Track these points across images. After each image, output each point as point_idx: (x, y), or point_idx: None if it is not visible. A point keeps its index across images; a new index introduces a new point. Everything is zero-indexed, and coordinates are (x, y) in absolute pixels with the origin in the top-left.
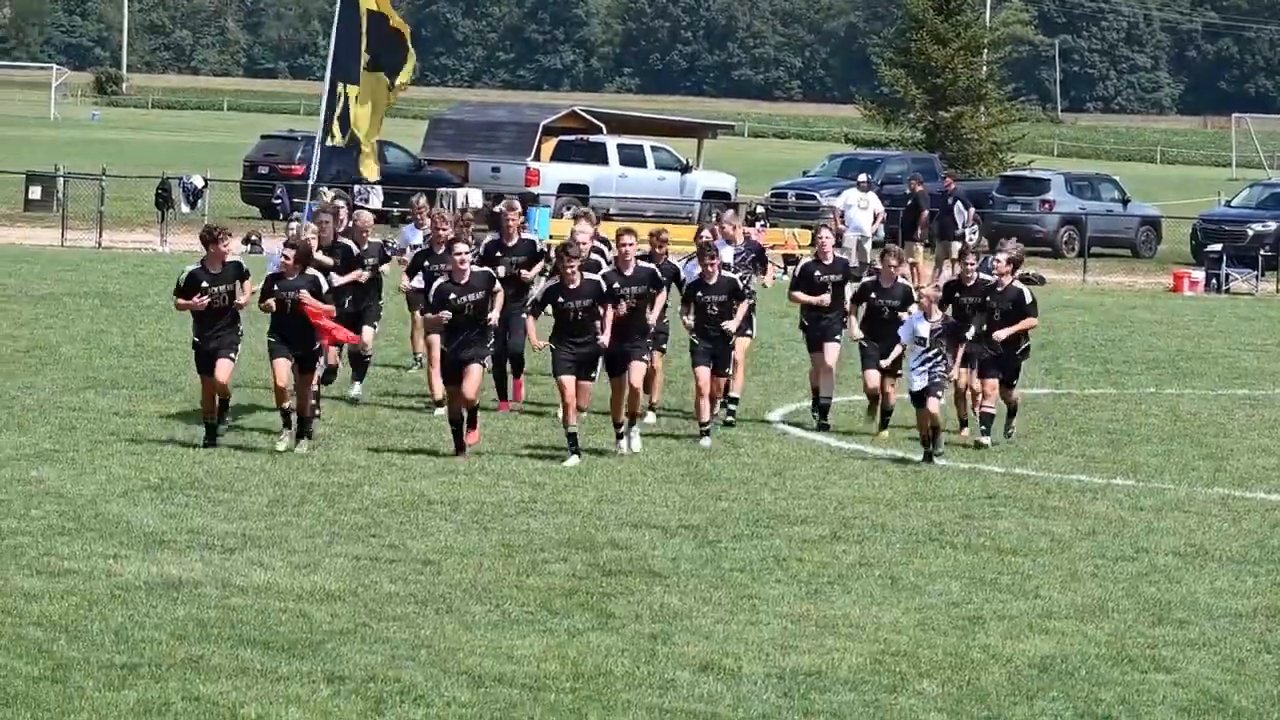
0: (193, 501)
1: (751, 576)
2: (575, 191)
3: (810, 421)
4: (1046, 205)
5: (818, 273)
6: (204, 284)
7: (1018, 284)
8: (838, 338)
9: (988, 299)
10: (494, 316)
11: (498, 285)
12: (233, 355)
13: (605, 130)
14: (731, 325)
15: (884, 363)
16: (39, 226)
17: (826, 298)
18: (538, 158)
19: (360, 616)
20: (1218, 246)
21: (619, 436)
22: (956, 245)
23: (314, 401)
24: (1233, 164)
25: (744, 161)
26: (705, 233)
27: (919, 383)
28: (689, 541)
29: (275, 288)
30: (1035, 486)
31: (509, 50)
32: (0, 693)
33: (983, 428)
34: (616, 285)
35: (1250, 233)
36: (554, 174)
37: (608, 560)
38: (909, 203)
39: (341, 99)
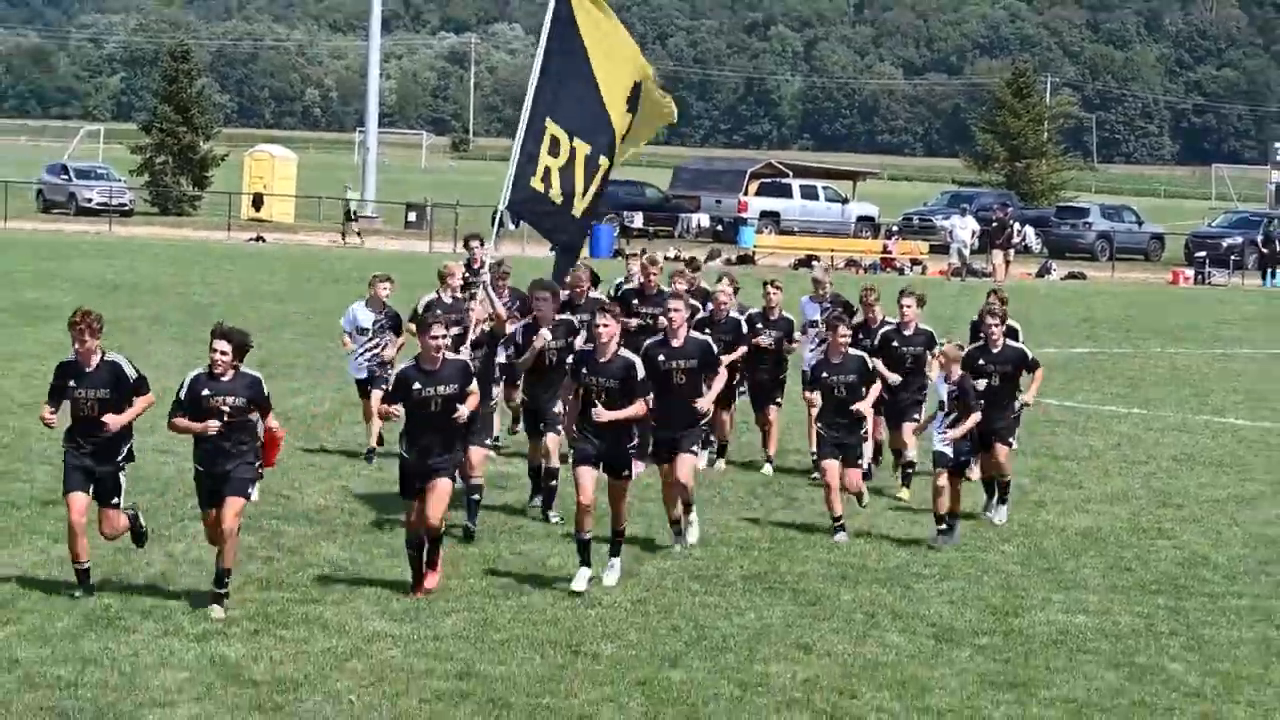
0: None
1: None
2: (770, 216)
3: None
4: (1087, 225)
5: (896, 343)
6: (205, 392)
7: (1013, 344)
8: (915, 416)
9: (984, 363)
10: (463, 411)
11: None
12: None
13: (791, 175)
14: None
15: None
16: (414, 240)
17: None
18: (746, 193)
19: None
20: (1203, 254)
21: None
22: (999, 254)
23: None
24: (1211, 198)
25: (883, 196)
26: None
27: (942, 447)
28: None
29: (205, 394)
30: (1078, 414)
31: (727, 121)
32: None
33: (999, 499)
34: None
35: (1224, 245)
36: (756, 204)
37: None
38: (994, 224)
39: (571, 154)
